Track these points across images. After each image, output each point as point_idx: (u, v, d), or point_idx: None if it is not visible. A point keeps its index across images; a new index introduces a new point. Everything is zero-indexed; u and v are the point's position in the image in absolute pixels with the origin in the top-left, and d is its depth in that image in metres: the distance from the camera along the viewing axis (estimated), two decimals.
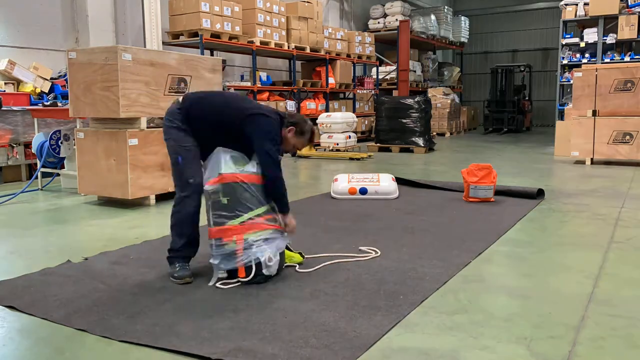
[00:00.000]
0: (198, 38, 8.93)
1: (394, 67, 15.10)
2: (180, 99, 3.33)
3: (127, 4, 9.08)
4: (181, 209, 3.10)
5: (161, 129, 5.58)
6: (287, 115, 3.25)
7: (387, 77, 15.21)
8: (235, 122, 3.06)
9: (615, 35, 12.27)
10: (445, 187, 6.06)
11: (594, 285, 2.95)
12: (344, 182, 5.59)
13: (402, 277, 3.05)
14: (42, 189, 6.30)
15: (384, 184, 5.50)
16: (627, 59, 12.35)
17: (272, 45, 10.38)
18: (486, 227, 4.27)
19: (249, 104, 3.25)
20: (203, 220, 3.10)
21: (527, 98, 17.15)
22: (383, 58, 15.55)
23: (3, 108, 6.66)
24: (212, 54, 10.36)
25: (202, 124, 3.13)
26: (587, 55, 12.84)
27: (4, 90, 6.98)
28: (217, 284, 2.93)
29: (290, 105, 10.76)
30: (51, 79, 7.64)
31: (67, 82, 6.66)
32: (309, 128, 3.26)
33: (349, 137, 10.44)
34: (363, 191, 5.46)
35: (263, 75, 10.67)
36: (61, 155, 6.21)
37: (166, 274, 3.14)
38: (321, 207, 5.21)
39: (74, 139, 5.83)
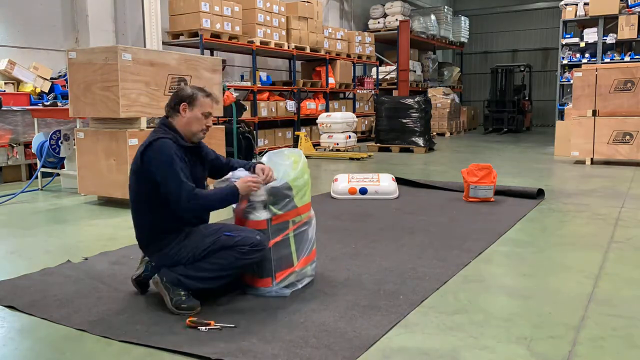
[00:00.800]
0: (198, 38, 8.92)
1: (394, 67, 15.09)
2: None
3: (127, 4, 9.08)
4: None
5: None
6: (166, 109, 2.81)
7: (387, 77, 15.21)
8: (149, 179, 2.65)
9: (615, 35, 12.26)
10: (445, 187, 6.06)
11: (594, 285, 2.95)
12: (344, 182, 5.58)
13: (402, 277, 3.05)
14: (42, 189, 6.30)
15: (384, 184, 5.49)
16: (627, 59, 12.34)
17: (272, 45, 10.38)
18: (486, 227, 4.27)
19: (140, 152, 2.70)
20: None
21: (527, 98, 17.14)
22: (383, 58, 15.54)
23: (3, 108, 6.66)
24: (212, 54, 10.35)
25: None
26: (587, 55, 12.84)
27: (4, 90, 6.97)
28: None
29: (290, 105, 10.76)
30: (51, 79, 7.64)
31: (67, 82, 6.66)
32: (190, 91, 2.77)
33: (349, 137, 10.44)
34: (363, 191, 5.45)
35: (263, 75, 10.66)
36: (61, 155, 6.21)
37: None
38: (321, 207, 5.20)
39: (74, 139, 5.83)
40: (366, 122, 13.15)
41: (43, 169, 6.24)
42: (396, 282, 2.97)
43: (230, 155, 6.87)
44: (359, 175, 5.75)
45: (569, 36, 13.01)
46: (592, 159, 8.35)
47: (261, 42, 10.11)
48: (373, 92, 13.78)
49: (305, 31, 11.20)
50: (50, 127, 6.76)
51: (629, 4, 12.11)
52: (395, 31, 14.72)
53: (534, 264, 3.34)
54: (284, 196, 2.77)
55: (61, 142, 6.16)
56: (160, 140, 2.65)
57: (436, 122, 14.37)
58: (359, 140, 11.62)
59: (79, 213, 5.06)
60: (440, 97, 15.11)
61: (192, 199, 2.59)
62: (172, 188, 2.58)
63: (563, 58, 13.13)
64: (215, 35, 9.21)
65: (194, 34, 8.99)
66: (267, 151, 3.12)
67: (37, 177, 6.20)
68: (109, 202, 5.45)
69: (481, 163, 5.36)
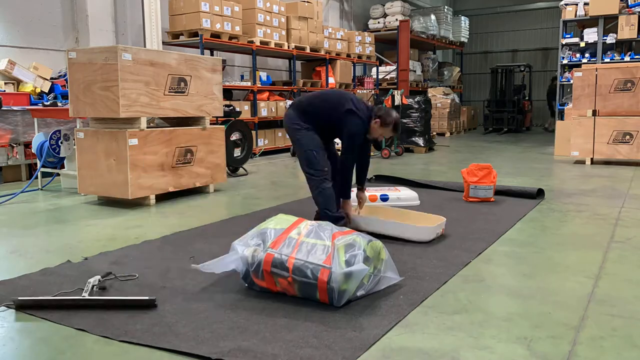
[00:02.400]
0: (198, 38, 8.92)
1: (394, 67, 15.09)
2: (294, 103, 4.25)
3: (127, 4, 9.08)
4: (325, 188, 3.98)
5: (161, 129, 5.61)
6: (376, 109, 4.00)
7: (387, 77, 15.20)
8: (338, 119, 3.94)
9: (615, 35, 12.26)
10: (445, 187, 6.06)
11: (594, 285, 2.95)
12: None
13: (402, 277, 3.05)
14: (42, 189, 6.30)
15: (405, 192, 5.30)
16: (627, 58, 12.34)
17: (272, 45, 10.38)
18: (486, 227, 4.27)
19: (345, 100, 3.98)
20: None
21: (527, 98, 17.14)
22: (383, 58, 15.54)
23: (3, 108, 6.66)
24: (212, 54, 10.36)
25: (317, 123, 4.04)
26: (587, 55, 12.83)
27: (4, 90, 6.97)
28: None
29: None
30: (51, 78, 7.64)
31: (67, 82, 6.67)
32: (391, 120, 3.96)
33: None
34: (384, 198, 5.18)
35: (263, 75, 10.66)
36: (61, 155, 6.21)
37: (165, 273, 3.14)
38: None
39: (74, 139, 5.83)
40: None
41: (43, 169, 6.24)
42: (396, 282, 2.96)
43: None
44: (375, 187, 5.54)
45: (569, 36, 13.00)
46: (592, 158, 8.35)
47: (261, 42, 10.11)
48: (373, 92, 13.78)
49: (305, 31, 11.20)
50: (50, 127, 6.76)
51: (629, 4, 12.11)
52: (395, 31, 14.72)
53: (534, 264, 3.34)
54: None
55: (61, 142, 6.16)
56: (357, 120, 3.94)
57: (436, 122, 14.38)
58: None
59: (79, 213, 5.06)
60: (440, 97, 15.11)
61: (350, 165, 4.10)
62: (350, 150, 4.02)
63: (563, 58, 13.13)
64: (215, 35, 9.21)
65: (194, 34, 9.00)
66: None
67: (37, 177, 6.20)
68: (109, 202, 5.45)
69: (481, 163, 5.36)
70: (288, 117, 4.16)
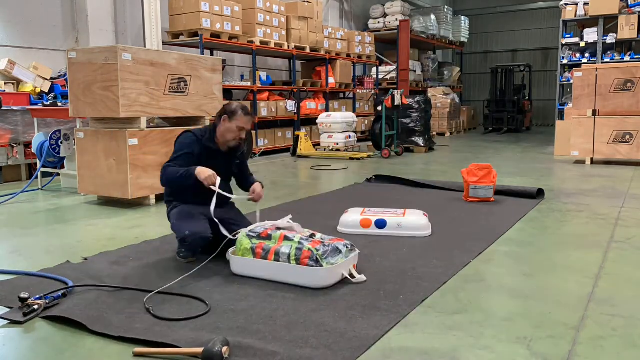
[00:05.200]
0: (198, 38, 8.92)
1: (394, 67, 15.09)
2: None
3: (127, 4, 9.08)
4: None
5: (161, 129, 5.60)
6: (216, 114, 3.51)
7: (387, 76, 15.20)
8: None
9: (615, 35, 12.26)
10: (445, 187, 6.06)
11: (594, 285, 2.95)
12: (355, 215, 4.19)
13: (402, 277, 3.05)
14: (42, 189, 6.30)
15: (412, 217, 4.10)
16: (627, 58, 12.34)
17: (272, 45, 10.38)
18: (486, 227, 4.27)
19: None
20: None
21: (527, 98, 17.14)
22: (383, 58, 15.54)
23: (3, 108, 6.66)
24: (212, 54, 10.36)
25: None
26: (587, 55, 12.83)
27: (4, 90, 6.97)
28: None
29: (290, 105, 10.76)
30: (51, 78, 7.64)
31: (67, 82, 6.67)
32: (235, 106, 3.43)
33: (349, 136, 10.44)
34: (380, 224, 4.05)
35: (263, 75, 10.66)
36: (61, 155, 6.21)
37: (165, 273, 3.14)
38: (321, 207, 5.21)
39: (74, 139, 5.83)
40: (366, 122, 13.14)
41: (43, 169, 6.24)
42: (396, 282, 2.97)
43: None
44: (378, 209, 4.35)
45: (569, 36, 13.01)
46: (592, 158, 8.35)
47: (261, 42, 10.11)
48: (373, 91, 13.78)
49: (305, 31, 11.20)
50: (50, 127, 6.76)
51: (629, 3, 12.11)
52: (395, 31, 14.72)
53: (534, 264, 3.34)
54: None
55: (61, 142, 6.16)
56: (185, 133, 3.50)
57: (436, 121, 14.38)
58: (359, 140, 11.63)
59: (79, 213, 5.06)
60: (440, 97, 15.11)
61: (162, 170, 3.35)
62: (175, 157, 3.41)
63: (563, 58, 13.13)
64: (215, 35, 9.21)
65: (194, 34, 9.00)
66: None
67: (37, 177, 6.20)
68: (109, 202, 5.45)
69: (481, 163, 5.36)
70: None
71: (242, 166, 3.69)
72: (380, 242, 3.81)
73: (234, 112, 3.40)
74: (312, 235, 3.12)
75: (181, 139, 3.48)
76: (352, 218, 4.15)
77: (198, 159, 3.38)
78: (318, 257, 2.87)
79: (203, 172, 3.22)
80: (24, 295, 2.58)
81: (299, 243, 2.96)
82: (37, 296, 2.66)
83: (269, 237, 3.06)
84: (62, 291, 2.77)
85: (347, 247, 3.06)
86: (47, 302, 2.63)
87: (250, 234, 3.11)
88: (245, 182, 3.70)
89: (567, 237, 4.04)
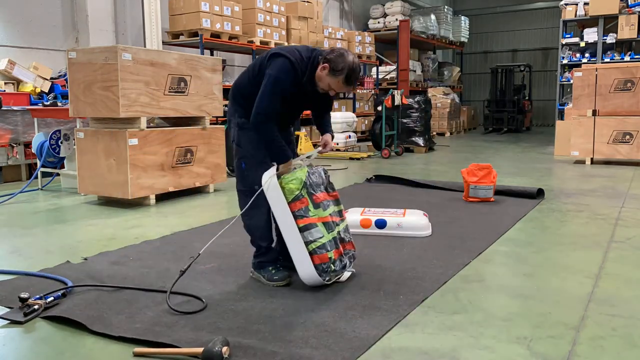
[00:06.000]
0: (198, 38, 8.92)
1: (394, 67, 15.09)
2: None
3: (127, 4, 9.08)
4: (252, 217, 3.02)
5: (161, 129, 5.60)
6: (325, 52, 2.89)
7: (387, 76, 15.20)
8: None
9: (615, 35, 12.26)
10: (445, 187, 6.06)
11: (594, 285, 2.95)
12: (355, 215, 4.19)
13: (402, 277, 3.05)
14: (42, 189, 6.30)
15: (412, 217, 4.11)
16: (627, 58, 12.34)
17: (272, 45, 10.38)
18: (486, 227, 4.27)
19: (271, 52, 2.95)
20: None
21: (527, 98, 17.14)
22: (383, 58, 15.54)
23: (3, 108, 6.66)
24: (212, 54, 10.36)
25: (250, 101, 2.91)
26: (587, 55, 12.83)
27: (4, 90, 6.97)
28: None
29: None
30: (51, 78, 7.64)
31: (67, 82, 6.67)
32: (345, 65, 2.79)
33: (349, 136, 10.44)
34: (380, 224, 4.08)
35: None
36: (61, 155, 6.21)
37: (165, 273, 3.14)
38: None
39: (73, 139, 5.83)
40: (366, 122, 13.14)
41: (43, 169, 6.24)
42: (396, 282, 2.97)
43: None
44: (378, 209, 4.36)
45: (569, 36, 13.01)
46: (592, 158, 8.35)
47: (261, 42, 10.11)
48: (373, 91, 13.78)
49: (305, 31, 11.20)
50: (50, 127, 6.76)
51: (629, 3, 12.11)
52: (395, 31, 14.71)
53: (534, 264, 3.34)
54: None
55: (61, 142, 6.16)
56: (282, 59, 2.83)
57: (436, 121, 14.37)
58: (359, 140, 11.62)
59: (79, 213, 5.06)
60: (440, 97, 15.11)
61: (261, 123, 2.80)
62: (260, 102, 2.80)
63: (563, 58, 13.13)
64: (215, 35, 9.21)
65: (194, 34, 9.00)
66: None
67: (36, 177, 6.19)
68: (109, 202, 5.45)
69: (481, 163, 5.36)
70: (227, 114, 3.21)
71: (328, 102, 3.22)
72: (381, 242, 3.82)
73: (338, 71, 2.80)
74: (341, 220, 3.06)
75: (279, 67, 2.82)
76: (352, 218, 4.06)
77: (288, 94, 2.87)
78: (328, 269, 2.81)
79: (287, 166, 2.86)
80: (24, 295, 2.59)
81: (338, 235, 2.91)
82: (37, 296, 2.66)
83: (317, 206, 2.83)
84: (62, 291, 2.77)
85: (350, 261, 3.01)
86: (47, 302, 2.63)
87: (308, 182, 2.85)
88: (322, 120, 3.22)
89: (567, 237, 4.04)
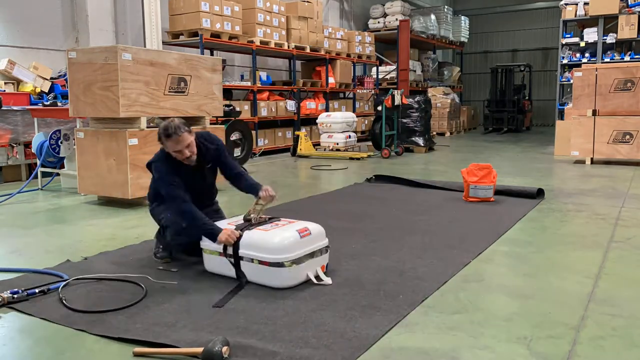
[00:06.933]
0: (198, 38, 8.92)
1: (394, 67, 15.09)
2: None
3: (127, 4, 9.08)
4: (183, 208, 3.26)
5: None
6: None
7: (387, 76, 15.20)
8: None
9: (615, 35, 12.26)
10: (445, 187, 6.06)
11: (594, 285, 2.95)
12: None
13: (402, 277, 3.05)
14: (42, 189, 6.30)
15: (268, 234, 2.96)
16: (627, 58, 12.34)
17: (272, 45, 10.38)
18: (486, 227, 4.27)
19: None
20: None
21: (527, 98, 17.14)
22: (383, 58, 15.54)
23: (3, 108, 6.66)
24: (212, 54, 10.35)
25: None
26: (587, 54, 12.83)
27: (4, 90, 6.97)
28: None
29: (291, 104, 10.76)
30: (51, 78, 7.64)
31: (67, 82, 6.66)
32: (161, 132, 3.19)
33: (349, 136, 10.44)
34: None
35: (263, 74, 10.66)
36: (61, 155, 6.21)
37: (165, 273, 3.14)
38: (320, 206, 5.21)
39: (73, 139, 5.83)
40: (366, 122, 13.15)
41: (42, 169, 6.24)
42: (396, 282, 2.97)
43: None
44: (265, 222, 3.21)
45: (569, 36, 13.01)
46: (592, 158, 8.35)
47: (261, 42, 10.11)
48: (373, 91, 13.78)
49: (305, 31, 11.20)
50: (50, 127, 6.76)
51: (629, 3, 12.11)
52: (395, 31, 14.72)
53: (534, 264, 3.34)
54: None
55: (61, 142, 6.16)
56: (154, 164, 3.31)
57: (436, 121, 14.38)
58: (359, 140, 11.63)
59: (79, 213, 5.06)
60: (440, 97, 15.11)
61: (178, 207, 3.16)
62: (162, 190, 3.26)
63: (563, 58, 13.13)
64: (215, 35, 9.21)
65: (194, 34, 9.00)
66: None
67: (36, 177, 6.19)
68: (109, 202, 5.45)
69: (481, 163, 5.36)
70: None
71: (221, 164, 3.48)
72: (381, 242, 3.82)
73: (160, 137, 3.20)
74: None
75: (155, 162, 3.28)
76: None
77: (177, 175, 3.22)
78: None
79: (224, 234, 2.97)
80: None
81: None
82: (15, 289, 2.75)
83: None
84: (42, 289, 2.83)
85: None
86: (15, 296, 2.70)
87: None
88: (239, 179, 3.45)
89: (567, 237, 4.03)
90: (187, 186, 3.22)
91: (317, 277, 2.98)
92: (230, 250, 2.98)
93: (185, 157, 3.20)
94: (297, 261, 2.87)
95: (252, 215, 3.14)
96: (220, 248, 3.03)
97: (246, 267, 2.96)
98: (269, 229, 3.00)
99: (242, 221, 3.15)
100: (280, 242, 2.88)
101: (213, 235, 3.01)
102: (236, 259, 2.97)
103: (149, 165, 3.39)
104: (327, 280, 2.97)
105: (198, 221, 3.08)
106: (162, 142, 3.21)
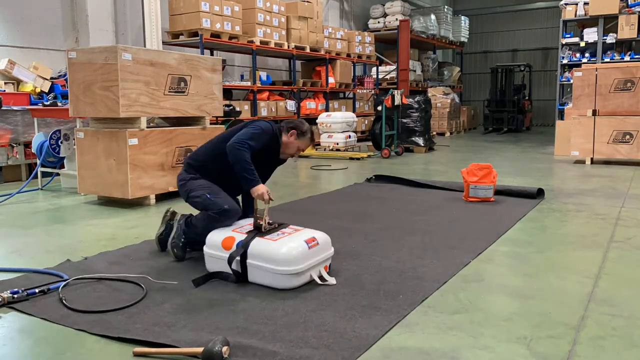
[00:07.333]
0: (198, 38, 8.92)
1: (394, 67, 15.09)
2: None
3: (127, 4, 9.08)
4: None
5: (161, 129, 5.60)
6: (283, 123, 3.52)
7: (387, 76, 15.21)
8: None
9: (615, 35, 12.26)
10: (445, 187, 6.06)
11: (594, 285, 2.95)
12: (219, 234, 3.18)
13: (402, 277, 3.05)
14: (42, 189, 6.30)
15: (275, 245, 2.93)
16: (627, 58, 12.34)
17: (272, 45, 10.38)
18: (486, 227, 4.27)
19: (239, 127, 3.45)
20: None
21: (527, 98, 17.15)
22: (383, 58, 15.54)
23: (3, 108, 6.66)
24: (212, 54, 10.36)
25: (209, 172, 3.43)
26: (587, 54, 12.84)
27: (4, 90, 6.97)
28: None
29: (290, 104, 10.76)
30: (51, 78, 7.64)
31: (67, 82, 6.67)
32: (307, 128, 3.50)
33: (349, 136, 10.44)
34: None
35: (263, 74, 10.66)
36: (61, 155, 6.21)
37: (165, 273, 3.14)
38: (321, 206, 5.21)
39: (73, 139, 5.83)
40: (366, 122, 13.15)
41: (42, 169, 6.24)
42: (396, 282, 2.97)
43: None
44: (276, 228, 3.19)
45: (569, 36, 13.01)
46: (592, 158, 8.35)
47: (261, 42, 10.11)
48: (373, 91, 13.79)
49: (305, 31, 11.20)
50: (50, 127, 6.76)
51: (629, 3, 12.11)
52: (395, 31, 14.72)
53: (534, 264, 3.34)
54: None
55: (61, 142, 6.16)
56: (262, 122, 3.43)
57: (436, 121, 14.38)
58: (359, 140, 11.63)
59: (79, 213, 5.06)
60: (440, 97, 15.11)
61: (238, 148, 3.18)
62: (242, 134, 3.26)
63: (563, 58, 13.14)
64: (215, 35, 9.21)
65: (194, 34, 9.00)
66: None
67: (36, 177, 6.19)
68: (109, 202, 5.45)
69: (481, 163, 5.36)
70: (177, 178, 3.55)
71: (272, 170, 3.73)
72: (381, 242, 3.82)
73: (304, 133, 3.46)
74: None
75: (261, 127, 3.36)
76: (214, 238, 3.15)
77: (259, 151, 3.30)
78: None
79: (259, 189, 3.19)
80: None
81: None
82: (15, 289, 2.74)
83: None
84: (42, 288, 2.83)
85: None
86: (15, 296, 2.70)
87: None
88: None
89: (567, 237, 4.04)
90: (256, 167, 3.29)
91: (321, 277, 2.98)
92: (235, 265, 2.96)
93: (293, 154, 3.54)
94: (304, 272, 2.89)
95: (261, 223, 3.07)
96: (226, 255, 3.00)
97: (251, 270, 2.96)
98: (276, 239, 2.97)
99: (250, 227, 3.13)
100: (289, 253, 2.85)
101: (253, 180, 3.19)
102: (243, 267, 2.95)
103: (231, 125, 3.49)
104: (332, 280, 2.98)
105: (249, 165, 3.18)
106: (303, 137, 3.45)
